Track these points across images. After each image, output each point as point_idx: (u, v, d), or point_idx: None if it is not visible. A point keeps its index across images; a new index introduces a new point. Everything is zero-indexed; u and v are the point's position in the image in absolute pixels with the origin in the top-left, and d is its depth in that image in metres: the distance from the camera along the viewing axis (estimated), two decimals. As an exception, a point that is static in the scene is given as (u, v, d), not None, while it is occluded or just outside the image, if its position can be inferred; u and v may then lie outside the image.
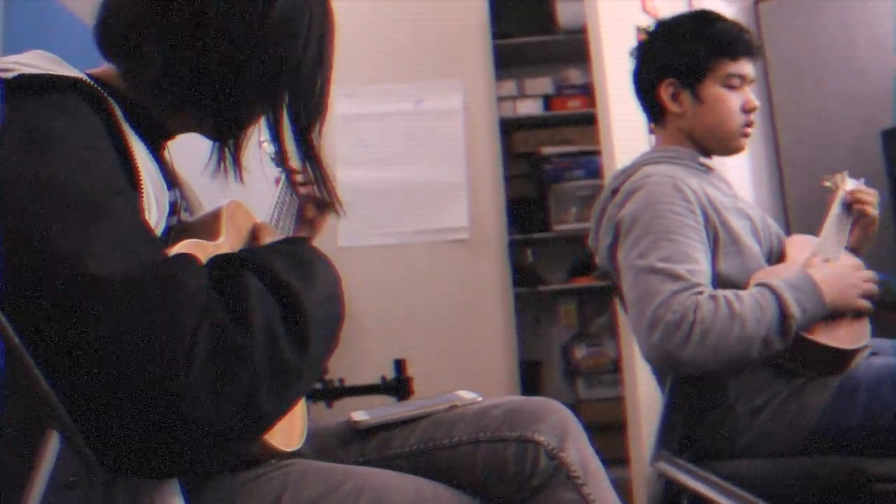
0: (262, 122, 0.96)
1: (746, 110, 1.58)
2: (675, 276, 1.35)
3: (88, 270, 0.62)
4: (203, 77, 0.85)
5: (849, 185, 1.65)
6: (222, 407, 0.63)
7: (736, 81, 1.57)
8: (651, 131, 1.75)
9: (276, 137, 0.94)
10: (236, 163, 0.95)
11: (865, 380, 1.40)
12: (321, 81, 0.95)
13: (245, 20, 0.85)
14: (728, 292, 1.37)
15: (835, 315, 1.43)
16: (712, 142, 1.61)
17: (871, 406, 1.37)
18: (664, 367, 1.35)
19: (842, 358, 1.43)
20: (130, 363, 0.61)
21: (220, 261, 0.74)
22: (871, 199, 1.61)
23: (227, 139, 0.94)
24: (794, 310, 1.35)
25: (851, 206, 1.61)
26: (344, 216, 1.25)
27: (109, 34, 0.88)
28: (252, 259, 0.73)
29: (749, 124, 1.60)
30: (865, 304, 1.47)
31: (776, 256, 1.59)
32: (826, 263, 1.49)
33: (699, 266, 1.39)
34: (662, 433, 1.50)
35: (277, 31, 0.87)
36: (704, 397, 1.49)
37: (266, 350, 0.66)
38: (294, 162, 1.06)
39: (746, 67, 1.59)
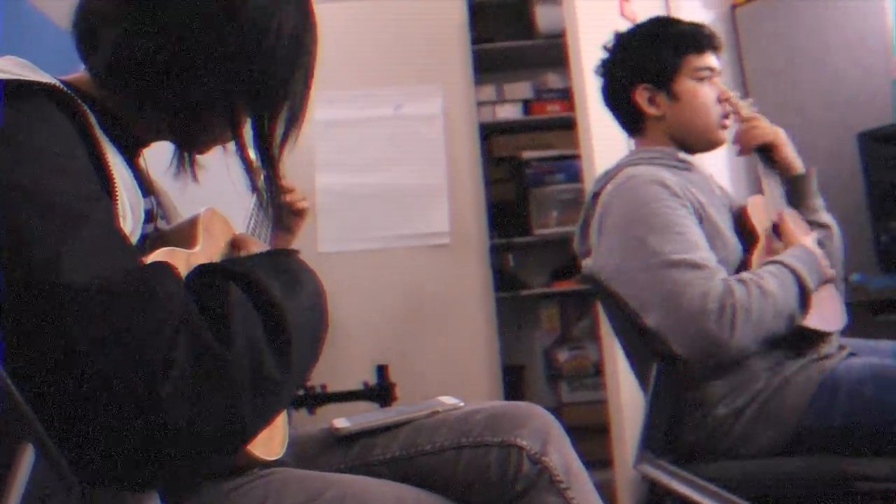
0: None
1: (721, 100, 1.64)
2: (698, 266, 1.36)
3: (63, 278, 0.61)
4: (157, 73, 0.83)
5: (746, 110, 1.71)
6: (201, 418, 0.62)
7: (706, 73, 1.63)
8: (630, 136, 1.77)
9: (237, 143, 0.90)
10: (192, 165, 0.94)
11: (846, 380, 1.41)
12: (293, 90, 0.91)
13: (204, 19, 0.83)
14: (748, 274, 1.40)
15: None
16: (693, 137, 1.65)
17: (852, 406, 1.38)
18: (708, 355, 1.34)
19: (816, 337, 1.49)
20: (106, 373, 0.60)
21: (203, 270, 0.73)
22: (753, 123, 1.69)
23: (186, 144, 0.93)
24: (811, 283, 1.41)
25: (765, 149, 1.69)
26: (286, 231, 1.25)
27: (79, 34, 0.88)
28: (236, 270, 0.72)
29: (727, 115, 1.65)
30: (833, 272, 1.56)
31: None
32: (803, 234, 1.56)
33: (710, 253, 1.42)
34: (645, 435, 1.50)
35: (240, 34, 0.85)
36: (687, 399, 1.50)
37: (248, 362, 0.65)
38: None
39: (712, 59, 1.64)
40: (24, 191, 0.64)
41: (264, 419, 0.71)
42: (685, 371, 1.47)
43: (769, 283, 1.37)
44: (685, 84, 1.61)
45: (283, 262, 0.79)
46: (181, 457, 0.63)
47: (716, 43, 1.65)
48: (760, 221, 1.60)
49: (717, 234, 1.50)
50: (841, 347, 1.55)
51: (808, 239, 1.54)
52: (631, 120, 1.70)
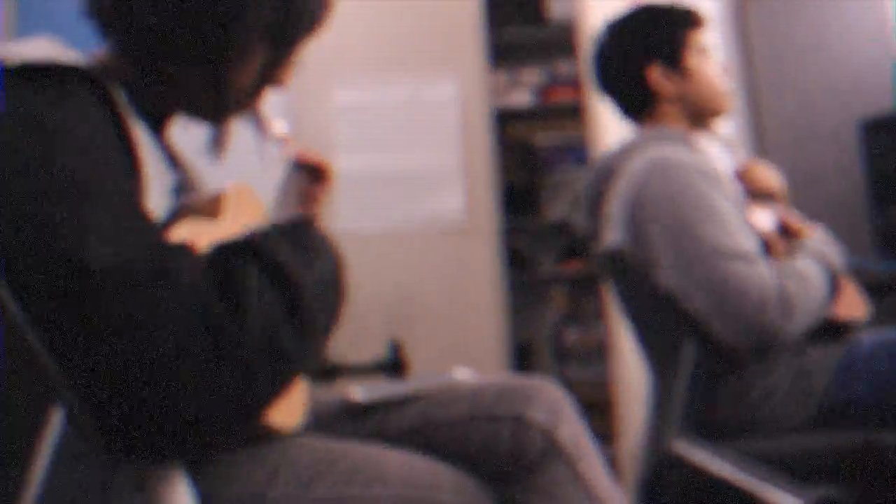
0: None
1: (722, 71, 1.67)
2: (747, 256, 1.36)
3: (86, 261, 0.61)
4: (174, 39, 0.83)
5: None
6: (218, 397, 0.64)
7: (706, 47, 1.66)
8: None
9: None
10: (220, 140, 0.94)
11: (863, 356, 1.44)
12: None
13: None
14: (784, 263, 1.41)
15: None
16: (708, 109, 1.66)
17: (871, 381, 1.41)
18: (761, 345, 1.34)
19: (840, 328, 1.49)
20: (123, 353, 0.61)
21: (221, 248, 0.73)
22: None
23: (207, 112, 0.92)
24: (841, 270, 1.44)
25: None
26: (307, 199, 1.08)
27: (97, 12, 0.87)
28: (253, 246, 0.72)
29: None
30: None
31: None
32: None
33: (747, 238, 1.41)
34: (682, 415, 1.48)
35: None
36: (721, 378, 1.50)
37: (264, 339, 0.66)
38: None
39: (706, 35, 1.68)
40: (47, 172, 0.65)
41: (278, 392, 0.70)
42: (725, 354, 1.42)
43: (810, 271, 1.39)
44: (693, 59, 1.63)
45: (300, 232, 0.79)
46: (198, 434, 0.64)
47: (705, 20, 1.68)
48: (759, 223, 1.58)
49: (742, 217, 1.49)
50: None
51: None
52: (640, 103, 1.68)
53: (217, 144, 1.00)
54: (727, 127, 2.84)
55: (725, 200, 1.43)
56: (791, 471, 1.35)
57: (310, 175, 1.05)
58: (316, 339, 0.73)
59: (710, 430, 1.51)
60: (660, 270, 1.42)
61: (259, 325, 0.66)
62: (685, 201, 1.41)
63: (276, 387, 0.69)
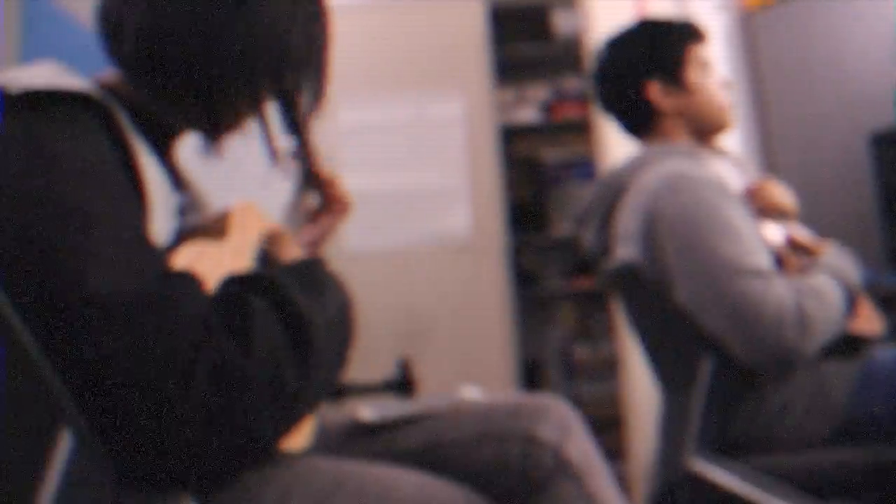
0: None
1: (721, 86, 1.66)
2: (762, 274, 1.34)
3: (88, 291, 0.62)
4: (179, 57, 0.83)
5: None
6: (221, 428, 0.63)
7: (706, 63, 1.64)
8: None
9: (260, 122, 0.90)
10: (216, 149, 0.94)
11: (881, 369, 1.43)
12: (315, 59, 0.91)
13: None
14: (799, 280, 1.39)
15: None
16: (710, 124, 1.64)
17: (891, 394, 1.39)
18: (779, 364, 1.33)
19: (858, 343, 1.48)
20: (128, 383, 0.61)
21: (230, 281, 0.73)
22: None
23: (212, 130, 0.91)
24: (857, 285, 1.42)
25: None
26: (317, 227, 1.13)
27: (103, 32, 0.87)
28: (262, 281, 0.72)
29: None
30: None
31: None
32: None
33: (766, 257, 1.39)
34: (698, 433, 1.44)
35: (257, 9, 0.84)
36: (738, 392, 1.48)
37: (267, 374, 0.66)
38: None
39: (706, 50, 1.67)
40: (50, 200, 0.65)
41: (284, 429, 0.71)
42: (743, 370, 1.40)
43: (826, 288, 1.37)
44: (694, 74, 1.61)
45: (311, 272, 0.79)
46: (202, 462, 0.65)
47: (706, 34, 1.67)
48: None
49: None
50: None
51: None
52: (642, 120, 1.66)
53: (212, 148, 0.98)
54: (735, 142, 2.84)
55: (740, 216, 1.41)
56: (809, 487, 1.35)
57: (322, 200, 1.08)
58: (321, 377, 0.73)
59: (726, 447, 1.49)
60: (675, 287, 1.41)
61: (264, 358, 0.66)
62: (700, 217, 1.40)
63: (278, 425, 0.69)
